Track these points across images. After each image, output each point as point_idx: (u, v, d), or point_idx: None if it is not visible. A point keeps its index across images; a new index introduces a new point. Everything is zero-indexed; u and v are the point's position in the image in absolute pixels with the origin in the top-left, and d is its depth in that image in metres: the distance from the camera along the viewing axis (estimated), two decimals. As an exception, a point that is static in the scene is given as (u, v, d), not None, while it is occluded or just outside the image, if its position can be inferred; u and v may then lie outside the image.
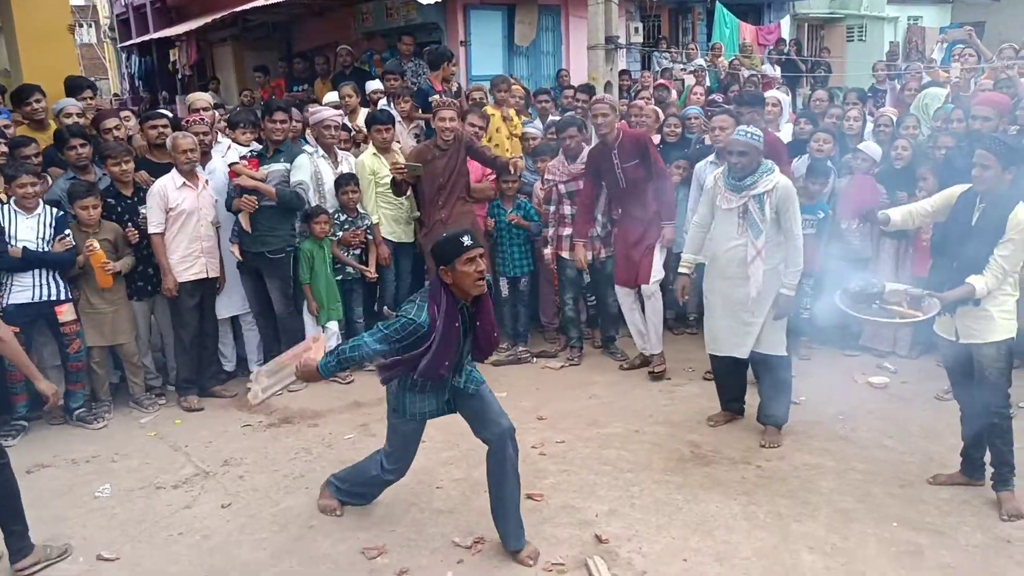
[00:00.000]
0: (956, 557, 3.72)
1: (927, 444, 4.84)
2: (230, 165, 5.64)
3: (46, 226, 5.10)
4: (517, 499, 3.78)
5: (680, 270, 5.13)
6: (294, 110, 6.37)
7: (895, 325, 5.18)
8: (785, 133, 6.79)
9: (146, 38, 15.37)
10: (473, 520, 4.07)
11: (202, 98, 6.44)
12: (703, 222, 4.95)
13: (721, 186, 4.75)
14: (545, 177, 6.27)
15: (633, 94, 9.68)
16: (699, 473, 4.53)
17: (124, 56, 18.69)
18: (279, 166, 5.71)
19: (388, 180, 6.10)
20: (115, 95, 19.79)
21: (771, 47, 13.78)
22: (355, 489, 4.12)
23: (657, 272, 5.90)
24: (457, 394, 3.79)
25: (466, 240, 3.40)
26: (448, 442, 4.84)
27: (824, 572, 3.62)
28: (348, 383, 5.94)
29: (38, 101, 6.23)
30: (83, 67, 21.31)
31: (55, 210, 5.20)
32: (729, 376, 5.18)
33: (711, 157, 5.97)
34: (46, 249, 5.06)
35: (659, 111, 7.53)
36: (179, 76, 15.53)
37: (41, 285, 5.07)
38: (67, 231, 5.16)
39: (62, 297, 5.16)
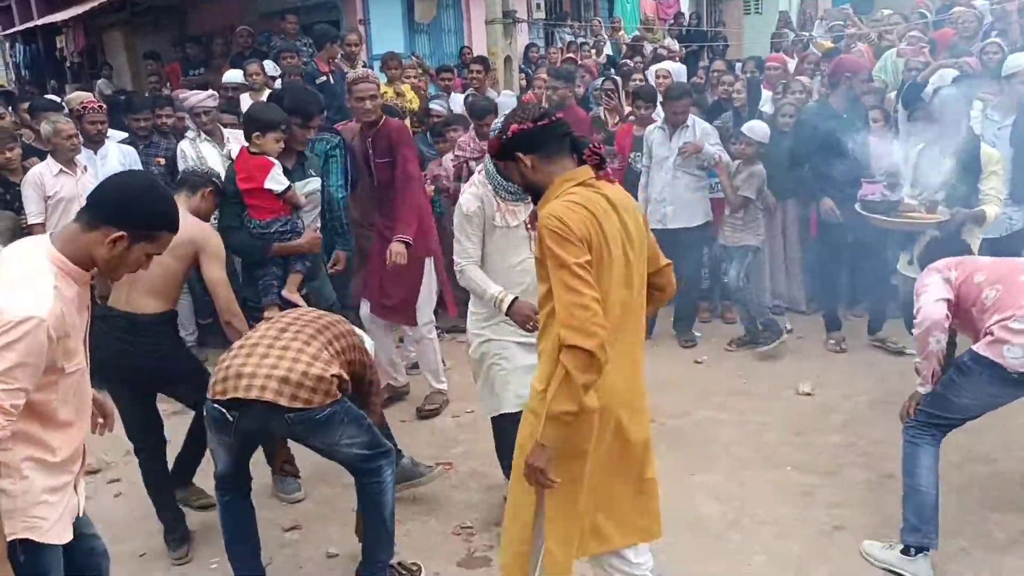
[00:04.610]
0: (844, 494, 3.94)
1: (819, 393, 5.09)
2: (281, 194, 4.01)
3: None
4: None
5: (505, 302, 3.42)
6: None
7: (914, 229, 5.08)
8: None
9: (29, 24, 14.66)
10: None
11: (81, 96, 6.21)
12: (476, 254, 3.59)
13: (498, 202, 3.53)
14: (455, 152, 6.19)
15: (535, 67, 9.79)
16: (604, 433, 4.65)
17: (7, 45, 17.80)
18: (315, 182, 4.38)
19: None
20: (1, 86, 18.86)
21: (670, 21, 14.03)
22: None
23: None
24: None
25: None
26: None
27: (723, 517, 3.79)
28: None
29: None
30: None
31: None
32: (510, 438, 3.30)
33: (659, 121, 6.01)
34: None
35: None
36: (68, 64, 14.90)
37: None
38: None
39: None
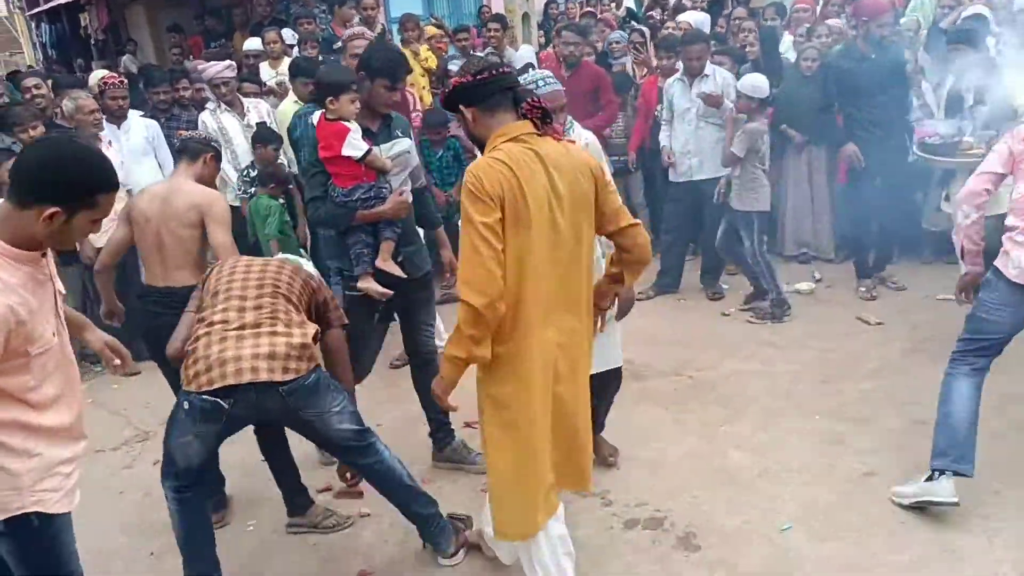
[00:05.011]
0: (875, 441, 3.91)
1: (848, 341, 5.04)
2: (361, 159, 3.67)
3: None
4: None
5: None
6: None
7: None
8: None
9: (53, 3, 14.74)
10: (412, 451, 4.12)
11: (101, 73, 6.28)
12: None
13: None
14: None
15: (555, 23, 9.64)
16: (631, 388, 4.62)
17: (33, 25, 17.93)
18: (403, 144, 3.87)
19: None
20: (29, 67, 19.04)
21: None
22: None
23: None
24: None
25: None
26: (385, 382, 4.90)
27: (750, 467, 3.77)
28: None
29: None
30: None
31: None
32: None
33: (679, 73, 5.92)
34: None
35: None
36: (93, 41, 14.98)
37: None
38: None
39: None
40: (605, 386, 3.65)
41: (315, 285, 3.24)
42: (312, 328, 3.02)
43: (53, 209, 2.00)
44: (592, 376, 3.37)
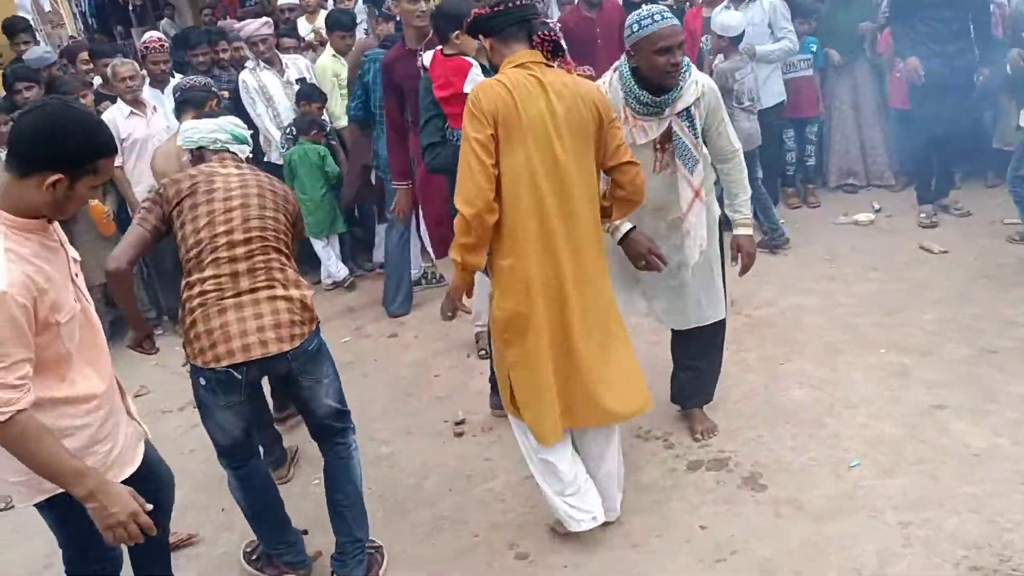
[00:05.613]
0: (942, 372, 3.81)
1: (911, 271, 4.89)
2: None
3: None
4: None
5: (620, 229, 3.11)
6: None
7: None
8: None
9: (90, -28, 14.80)
10: (469, 400, 4.15)
11: (145, 36, 6.33)
12: None
13: (626, 114, 3.02)
14: None
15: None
16: (688, 328, 4.59)
17: (72, -6, 18.03)
18: None
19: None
20: (72, 37, 19.19)
21: None
22: None
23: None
24: None
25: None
26: (439, 333, 4.92)
27: (814, 404, 3.70)
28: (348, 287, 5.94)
29: None
30: (39, 14, 20.62)
31: None
32: None
33: (725, 2, 5.68)
34: None
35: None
36: (131, 8, 15.03)
37: None
38: None
39: None
40: (696, 342, 3.50)
41: (295, 212, 3.00)
42: (309, 290, 2.88)
43: (56, 176, 1.97)
44: (688, 333, 3.46)
